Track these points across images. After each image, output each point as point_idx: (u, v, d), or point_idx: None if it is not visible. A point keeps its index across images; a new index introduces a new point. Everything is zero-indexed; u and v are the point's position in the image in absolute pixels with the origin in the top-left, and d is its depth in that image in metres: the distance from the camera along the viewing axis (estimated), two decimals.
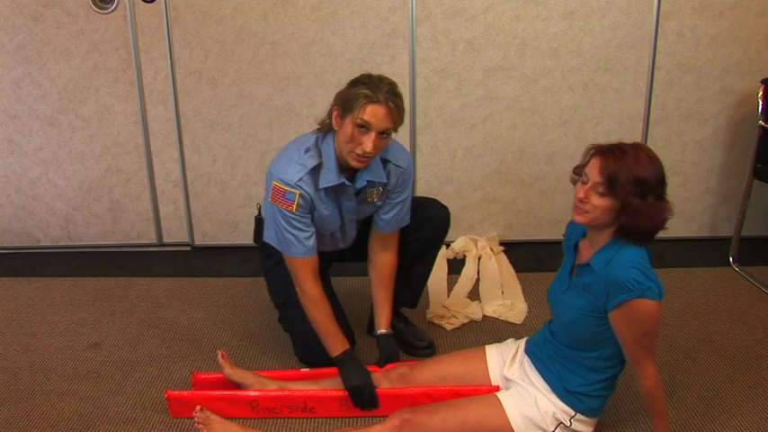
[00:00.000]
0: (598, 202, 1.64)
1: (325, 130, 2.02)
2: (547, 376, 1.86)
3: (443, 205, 2.35)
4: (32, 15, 2.93)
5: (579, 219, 1.68)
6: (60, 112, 3.08)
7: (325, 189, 2.01)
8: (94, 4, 2.90)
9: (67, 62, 2.99)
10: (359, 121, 1.86)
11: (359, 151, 1.90)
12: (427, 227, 2.28)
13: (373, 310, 2.26)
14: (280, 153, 2.08)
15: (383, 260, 2.22)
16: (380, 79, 1.90)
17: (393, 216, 2.16)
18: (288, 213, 1.99)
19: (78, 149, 3.14)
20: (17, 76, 3.02)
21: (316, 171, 1.99)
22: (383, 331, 2.21)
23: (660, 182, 1.64)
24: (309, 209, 2.02)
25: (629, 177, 1.60)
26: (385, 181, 2.08)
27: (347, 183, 2.02)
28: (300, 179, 1.97)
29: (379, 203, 2.13)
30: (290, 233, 2.01)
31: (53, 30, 2.95)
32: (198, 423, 1.89)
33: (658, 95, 3.05)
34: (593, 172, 1.64)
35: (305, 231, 2.03)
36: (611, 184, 1.61)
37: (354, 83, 1.93)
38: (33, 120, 3.09)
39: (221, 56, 2.98)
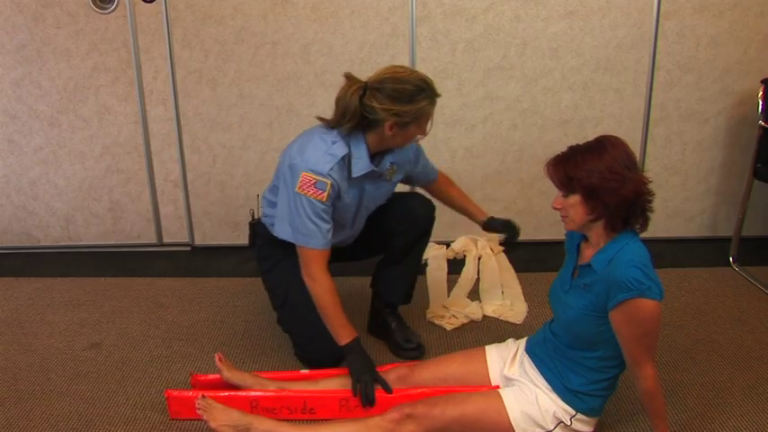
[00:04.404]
0: (567, 203, 1.72)
1: (347, 131, 2.05)
2: (547, 375, 1.86)
3: (427, 198, 2.39)
4: (32, 15, 2.93)
5: (567, 227, 1.78)
6: (60, 112, 3.08)
7: (356, 177, 2.08)
8: (94, 4, 2.90)
9: (67, 62, 2.99)
10: (427, 125, 2.05)
11: (413, 141, 2.10)
12: (411, 220, 2.32)
13: (465, 212, 2.44)
14: (299, 146, 2.09)
15: (438, 183, 2.44)
16: (426, 81, 2.02)
17: (422, 166, 2.35)
18: (317, 203, 2.03)
19: (78, 149, 3.14)
20: (17, 76, 3.02)
21: (343, 161, 2.06)
22: (483, 219, 2.41)
23: (608, 157, 1.66)
24: (335, 198, 2.08)
25: (573, 167, 1.68)
26: (409, 157, 2.26)
27: (375, 169, 2.11)
28: (331, 168, 2.03)
29: (396, 180, 2.26)
30: (315, 224, 2.05)
31: (53, 30, 2.95)
32: (199, 409, 1.91)
33: (658, 95, 3.04)
34: (552, 183, 1.74)
35: (328, 223, 2.08)
36: (565, 184, 1.70)
37: (411, 97, 1.98)
38: (33, 120, 3.09)
39: (221, 56, 2.98)
